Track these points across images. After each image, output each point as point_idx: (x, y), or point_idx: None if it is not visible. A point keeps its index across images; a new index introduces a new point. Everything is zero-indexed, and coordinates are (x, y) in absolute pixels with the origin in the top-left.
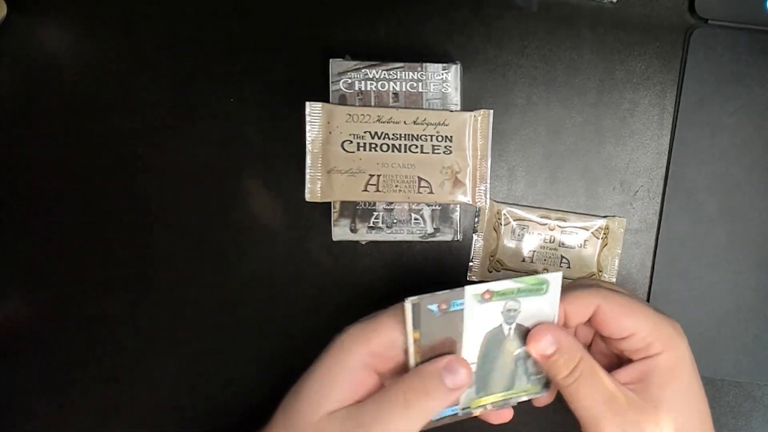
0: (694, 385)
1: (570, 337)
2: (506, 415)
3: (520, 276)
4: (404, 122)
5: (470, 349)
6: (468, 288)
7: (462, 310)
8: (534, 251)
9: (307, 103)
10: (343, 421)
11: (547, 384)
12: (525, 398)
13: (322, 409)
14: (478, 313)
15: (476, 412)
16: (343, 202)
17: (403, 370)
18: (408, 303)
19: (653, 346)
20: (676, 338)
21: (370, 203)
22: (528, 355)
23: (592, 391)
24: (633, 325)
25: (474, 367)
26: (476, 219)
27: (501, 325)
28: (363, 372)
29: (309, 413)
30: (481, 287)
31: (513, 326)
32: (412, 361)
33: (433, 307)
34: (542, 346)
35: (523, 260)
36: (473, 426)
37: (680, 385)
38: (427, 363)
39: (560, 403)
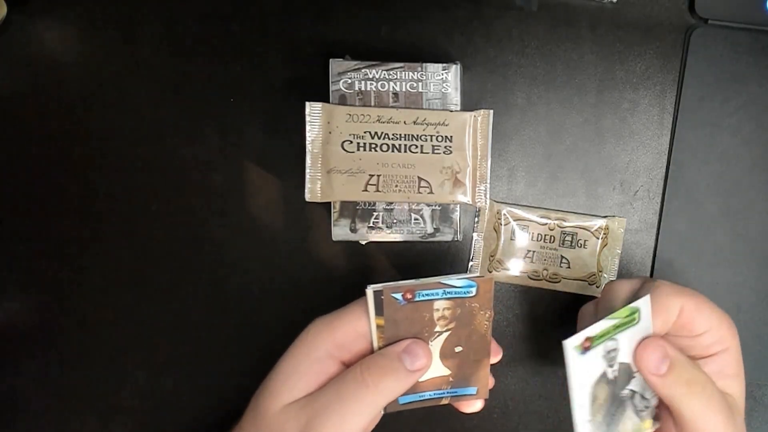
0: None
1: (677, 351)
2: (477, 404)
3: (611, 313)
4: (404, 122)
5: (582, 405)
6: (567, 342)
7: (430, 300)
8: (534, 251)
9: (307, 103)
10: (302, 408)
11: (656, 416)
12: None
13: (283, 399)
14: (582, 365)
15: (462, 406)
16: (343, 202)
17: None
18: (369, 290)
19: (723, 340)
20: (735, 332)
21: (370, 203)
22: (633, 393)
23: (707, 402)
24: (707, 322)
25: (590, 425)
26: (476, 219)
27: (605, 371)
28: (328, 362)
29: (271, 405)
30: (579, 337)
31: (616, 367)
32: (375, 347)
33: (398, 296)
34: (654, 365)
35: (524, 260)
36: (473, 425)
37: (741, 379)
38: (387, 346)
39: (560, 404)
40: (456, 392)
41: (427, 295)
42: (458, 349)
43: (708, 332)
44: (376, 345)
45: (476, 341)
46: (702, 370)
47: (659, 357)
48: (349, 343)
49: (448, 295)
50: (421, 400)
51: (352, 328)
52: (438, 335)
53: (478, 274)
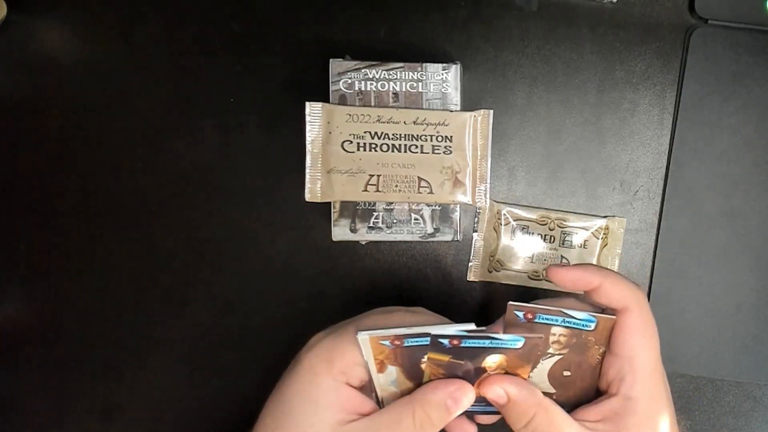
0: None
1: (526, 389)
2: (493, 417)
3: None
4: (404, 122)
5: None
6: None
7: (548, 324)
8: (534, 251)
9: (307, 103)
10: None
11: None
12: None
13: (322, 429)
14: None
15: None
16: (343, 202)
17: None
18: (364, 336)
19: (636, 386)
20: (664, 392)
21: (370, 203)
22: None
23: None
24: (639, 352)
25: None
26: (476, 219)
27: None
28: (341, 387)
29: None
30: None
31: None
32: (375, 378)
33: (520, 314)
34: (494, 394)
35: (524, 260)
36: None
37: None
38: (431, 387)
39: None
40: None
41: (547, 319)
42: (566, 373)
43: (632, 360)
44: (375, 375)
45: (585, 370)
46: (553, 412)
47: (499, 391)
48: (349, 370)
49: (567, 324)
50: None
51: (350, 358)
52: (550, 356)
53: (601, 313)
